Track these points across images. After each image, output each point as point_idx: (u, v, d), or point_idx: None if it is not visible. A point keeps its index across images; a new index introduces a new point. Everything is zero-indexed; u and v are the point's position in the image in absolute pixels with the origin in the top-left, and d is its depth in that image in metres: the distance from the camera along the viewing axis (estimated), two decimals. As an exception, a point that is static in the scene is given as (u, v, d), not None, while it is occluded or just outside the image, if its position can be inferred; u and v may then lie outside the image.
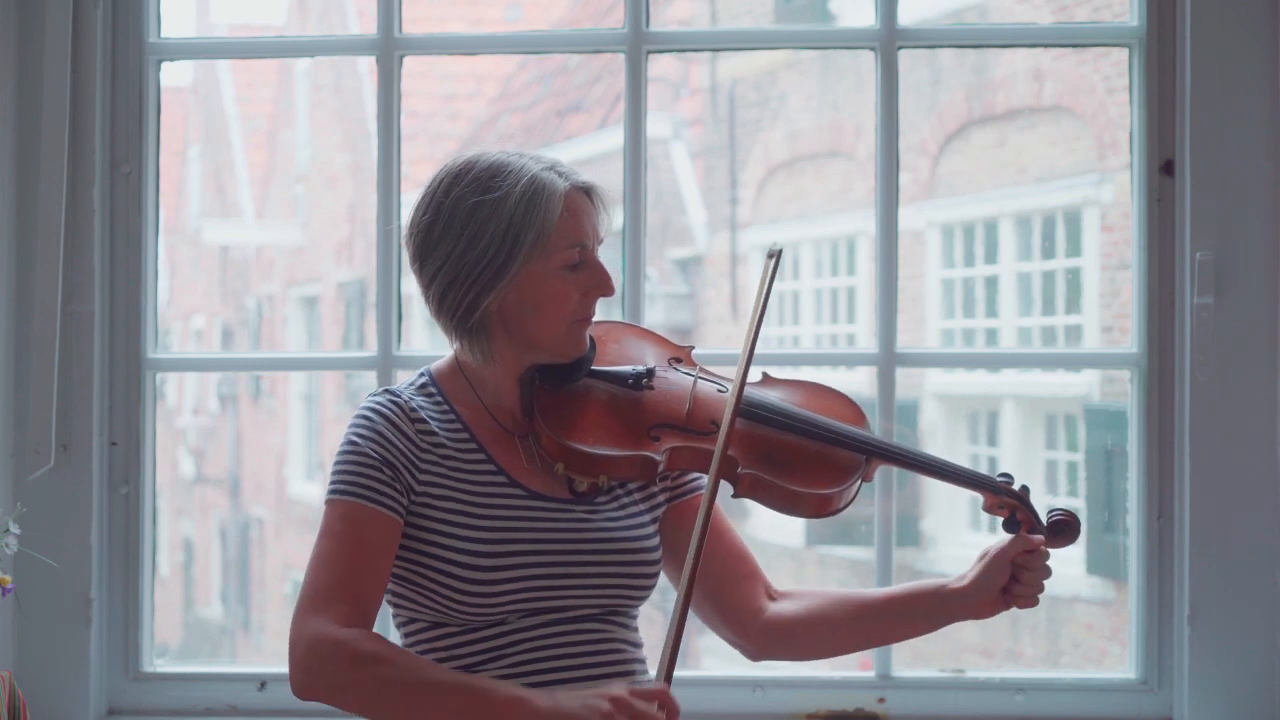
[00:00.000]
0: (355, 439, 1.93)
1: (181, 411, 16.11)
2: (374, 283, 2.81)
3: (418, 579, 1.92)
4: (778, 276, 2.03)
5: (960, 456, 10.02)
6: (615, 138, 10.05)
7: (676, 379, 2.04)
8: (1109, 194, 9.03)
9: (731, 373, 2.07)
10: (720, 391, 2.03)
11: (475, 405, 1.98)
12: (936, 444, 10.12)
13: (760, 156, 11.43)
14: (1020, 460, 9.72)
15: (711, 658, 10.63)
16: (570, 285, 1.95)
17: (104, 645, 2.77)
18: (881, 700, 2.72)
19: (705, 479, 2.00)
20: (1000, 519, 2.03)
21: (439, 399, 1.98)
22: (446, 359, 2.03)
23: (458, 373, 2.00)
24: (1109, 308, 9.06)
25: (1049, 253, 9.59)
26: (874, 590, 2.10)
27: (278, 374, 14.82)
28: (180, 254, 16.32)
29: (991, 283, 9.94)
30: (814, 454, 2.00)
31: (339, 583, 1.85)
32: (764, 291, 1.99)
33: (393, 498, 1.90)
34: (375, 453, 1.91)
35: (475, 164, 1.95)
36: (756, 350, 2.02)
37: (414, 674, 1.78)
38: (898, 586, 2.09)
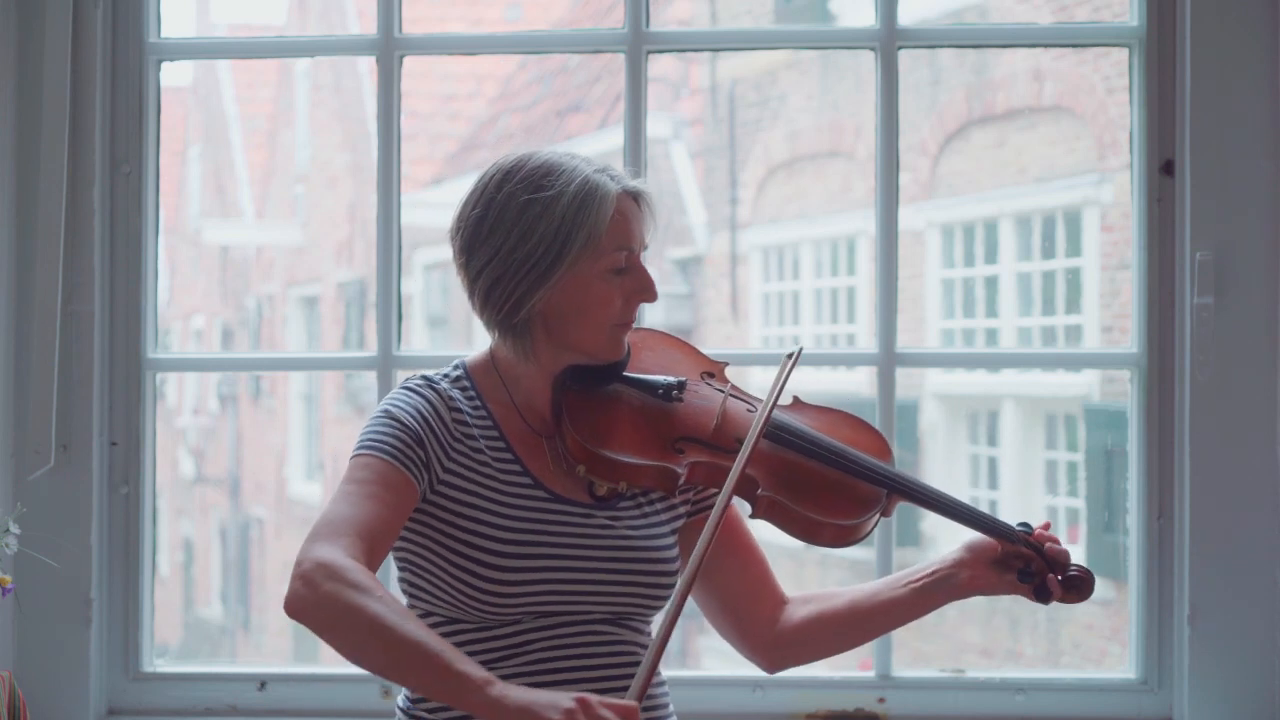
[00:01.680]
0: (391, 409, 1.92)
1: (181, 411, 16.12)
2: (374, 283, 2.81)
3: (437, 571, 1.91)
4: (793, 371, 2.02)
5: (960, 457, 10.03)
6: (615, 138, 10.05)
7: (707, 394, 2.03)
8: (1109, 194, 9.04)
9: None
10: (749, 411, 2.02)
11: (506, 404, 1.98)
12: (936, 444, 10.12)
13: (760, 156, 11.43)
14: (1020, 460, 9.72)
15: (711, 657, 10.63)
16: (614, 289, 1.94)
17: (104, 645, 2.77)
18: (881, 700, 2.72)
19: (750, 499, 1.98)
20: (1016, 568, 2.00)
21: (472, 394, 1.97)
22: (481, 354, 2.02)
23: (492, 370, 1.99)
24: (1109, 308, 9.06)
25: (1049, 253, 9.59)
26: (867, 593, 2.07)
27: (278, 374, 14.83)
28: (180, 254, 16.32)
29: (991, 283, 9.94)
30: (835, 483, 1.99)
31: (353, 519, 1.82)
32: (779, 384, 1.98)
33: (417, 465, 1.89)
34: (409, 424, 1.90)
35: (528, 162, 1.94)
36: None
37: (393, 619, 1.72)
38: (887, 586, 2.06)
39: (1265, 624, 2.63)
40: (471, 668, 1.69)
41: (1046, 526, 2.03)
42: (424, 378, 1.97)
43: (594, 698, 1.66)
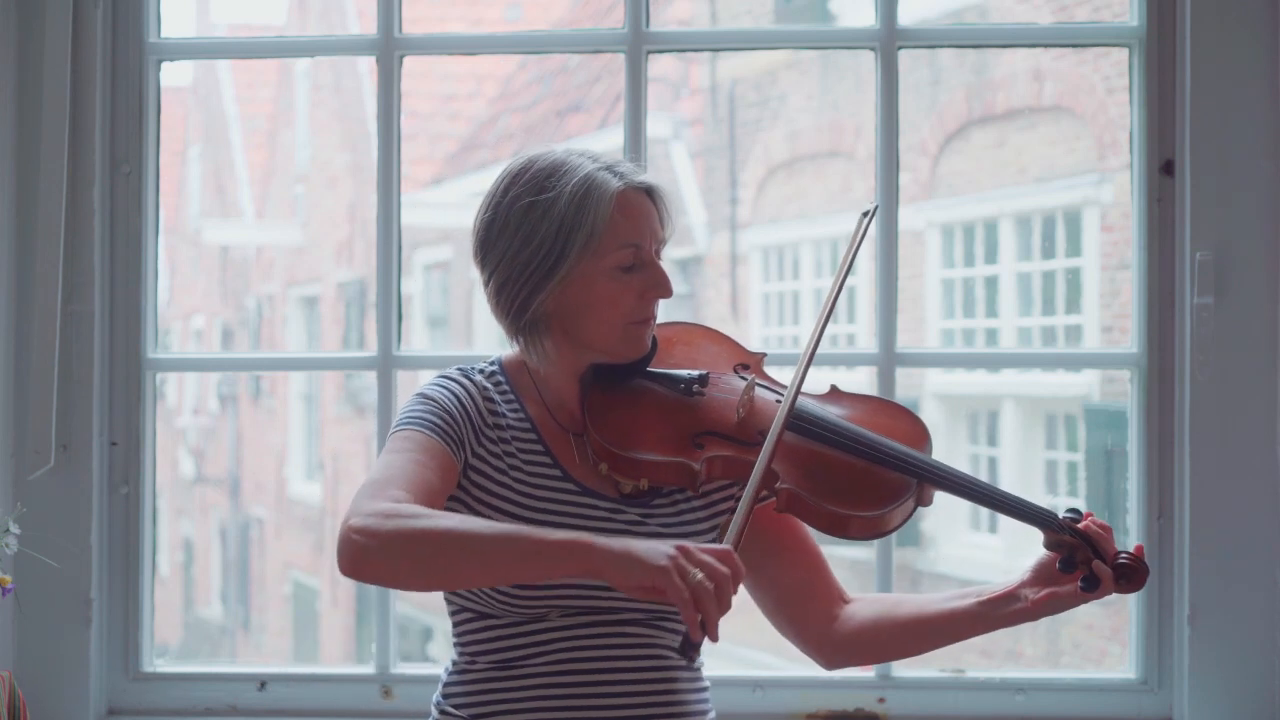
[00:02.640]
0: (428, 393, 1.93)
1: (181, 411, 16.12)
2: (374, 283, 2.81)
3: None
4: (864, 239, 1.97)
5: (960, 457, 10.03)
6: (615, 138, 10.06)
7: (734, 386, 2.00)
8: (1109, 194, 9.04)
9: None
10: (778, 401, 1.96)
11: (539, 402, 1.98)
12: (937, 444, 10.11)
13: (760, 156, 11.43)
14: (1020, 460, 9.72)
15: (711, 657, 10.62)
16: (624, 286, 1.93)
17: (104, 645, 2.77)
18: (881, 700, 2.72)
19: (770, 492, 1.92)
20: (1059, 557, 1.91)
21: (506, 389, 1.98)
22: (515, 352, 2.02)
23: (524, 369, 2.00)
24: (1109, 308, 9.06)
25: (1049, 253, 9.59)
26: (933, 601, 2.02)
27: (278, 374, 14.83)
28: (180, 254, 16.33)
29: (991, 283, 9.94)
30: (861, 473, 1.92)
31: (398, 479, 1.82)
32: (852, 251, 1.94)
33: (454, 441, 1.89)
34: (445, 403, 1.92)
35: (534, 164, 1.95)
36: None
37: (468, 524, 1.73)
38: (953, 597, 2.01)
39: (1265, 624, 2.63)
40: (563, 534, 1.71)
41: (1089, 516, 1.94)
42: (460, 369, 1.98)
43: (691, 545, 1.68)
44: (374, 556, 1.73)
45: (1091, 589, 1.90)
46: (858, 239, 1.98)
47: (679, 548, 1.68)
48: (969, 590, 2.02)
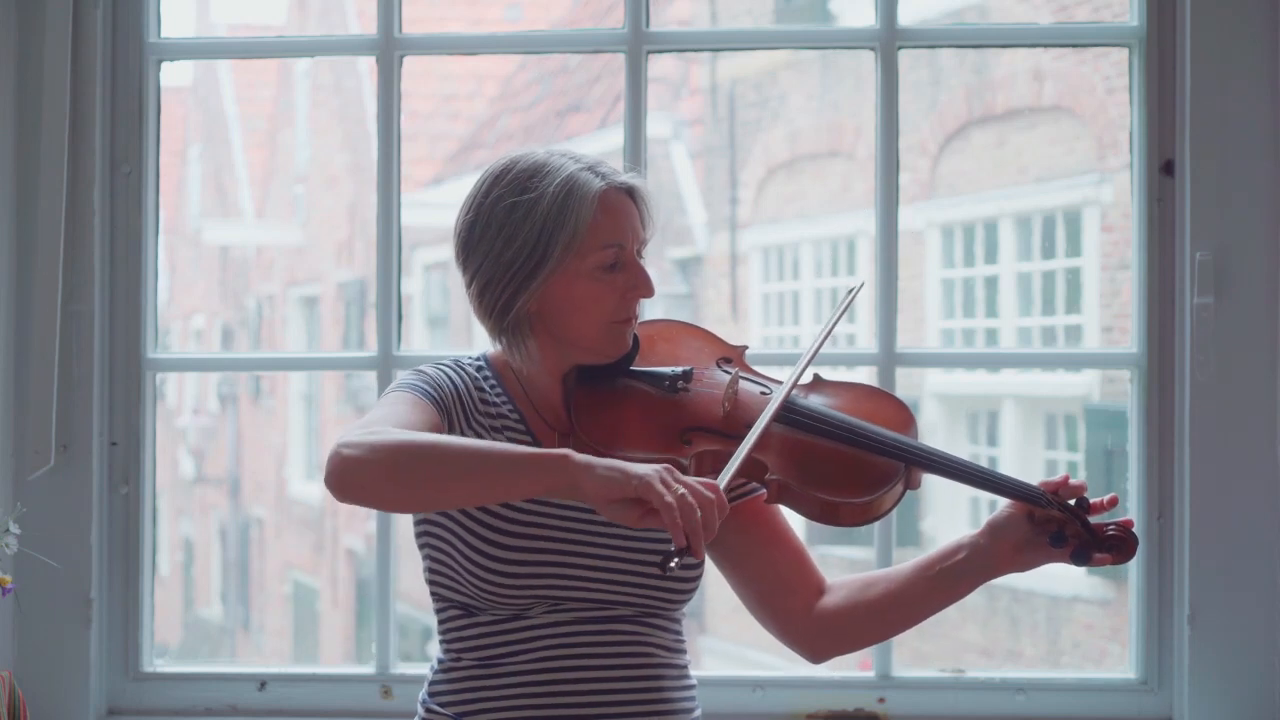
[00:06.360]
0: (423, 369, 1.95)
1: (181, 411, 16.13)
2: (374, 283, 2.81)
3: (449, 550, 1.92)
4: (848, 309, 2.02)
5: (960, 456, 10.04)
6: (615, 138, 10.06)
7: (718, 380, 2.00)
8: (1109, 194, 9.05)
9: (782, 374, 2.01)
10: (764, 394, 1.98)
11: (525, 400, 1.98)
12: (936, 444, 10.11)
13: (760, 156, 11.44)
14: (1020, 460, 9.73)
15: (711, 657, 10.63)
16: (606, 286, 1.93)
17: (104, 645, 2.77)
18: (881, 700, 2.72)
19: (760, 483, 1.94)
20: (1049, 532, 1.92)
21: (495, 384, 1.98)
22: (500, 351, 2.02)
23: (509, 367, 2.00)
24: (1109, 308, 9.07)
25: (1049, 253, 9.60)
26: (899, 578, 2.00)
27: (278, 374, 14.84)
28: (180, 254, 16.34)
29: (991, 283, 9.95)
30: (848, 460, 1.93)
31: (388, 420, 1.82)
32: (834, 319, 1.98)
33: (445, 413, 1.91)
34: (440, 380, 1.93)
35: (516, 164, 1.95)
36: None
37: (450, 439, 1.74)
38: (920, 569, 1.99)
39: (1265, 624, 2.63)
40: (543, 450, 1.72)
41: (1084, 488, 1.94)
42: (452, 360, 1.99)
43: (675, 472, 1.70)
44: (357, 469, 1.73)
45: (1079, 562, 1.93)
46: (839, 311, 2.01)
47: (665, 466, 1.69)
48: (931, 559, 1.99)
